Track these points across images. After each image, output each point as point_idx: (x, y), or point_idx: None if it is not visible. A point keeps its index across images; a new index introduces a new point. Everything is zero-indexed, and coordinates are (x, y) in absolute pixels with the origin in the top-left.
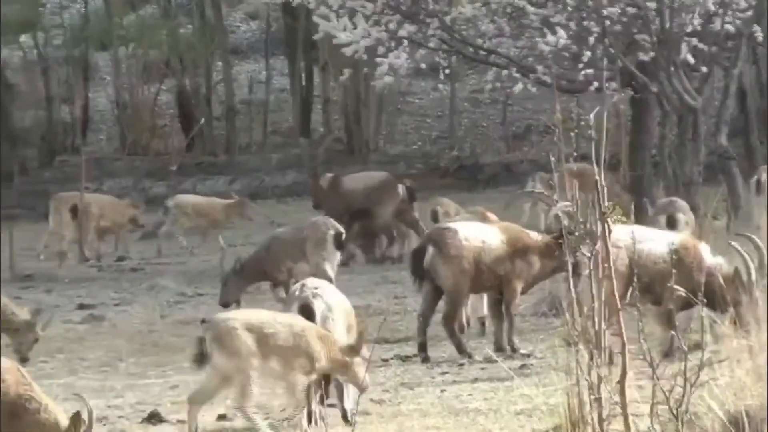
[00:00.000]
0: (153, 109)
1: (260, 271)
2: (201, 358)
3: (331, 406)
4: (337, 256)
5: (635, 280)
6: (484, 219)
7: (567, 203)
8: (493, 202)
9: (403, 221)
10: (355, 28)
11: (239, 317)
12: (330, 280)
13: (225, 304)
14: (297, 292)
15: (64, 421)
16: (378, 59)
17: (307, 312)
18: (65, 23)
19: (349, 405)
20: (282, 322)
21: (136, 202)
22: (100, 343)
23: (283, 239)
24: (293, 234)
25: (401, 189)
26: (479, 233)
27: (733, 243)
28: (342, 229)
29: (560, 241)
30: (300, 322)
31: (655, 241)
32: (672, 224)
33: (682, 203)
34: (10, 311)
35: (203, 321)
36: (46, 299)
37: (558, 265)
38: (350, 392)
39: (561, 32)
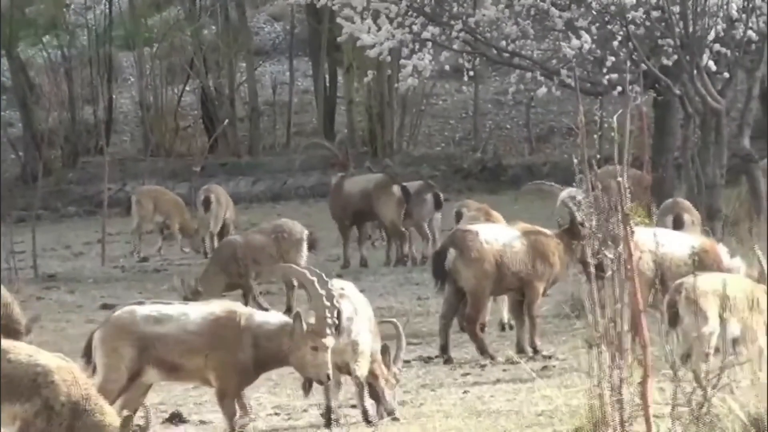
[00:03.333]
0: (176, 110)
1: (225, 282)
2: None
3: (353, 406)
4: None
5: (659, 283)
6: (488, 216)
7: (572, 189)
8: (516, 204)
9: (407, 223)
10: (379, 30)
11: None
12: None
13: None
14: None
15: (116, 423)
16: (402, 61)
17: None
18: (89, 24)
19: (369, 404)
20: None
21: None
22: None
23: (251, 245)
24: (261, 238)
25: (397, 190)
26: (500, 235)
27: (756, 247)
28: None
29: (573, 231)
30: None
31: (677, 245)
32: (678, 224)
33: (686, 203)
34: (16, 320)
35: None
36: (69, 299)
37: (573, 258)
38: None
39: (586, 36)
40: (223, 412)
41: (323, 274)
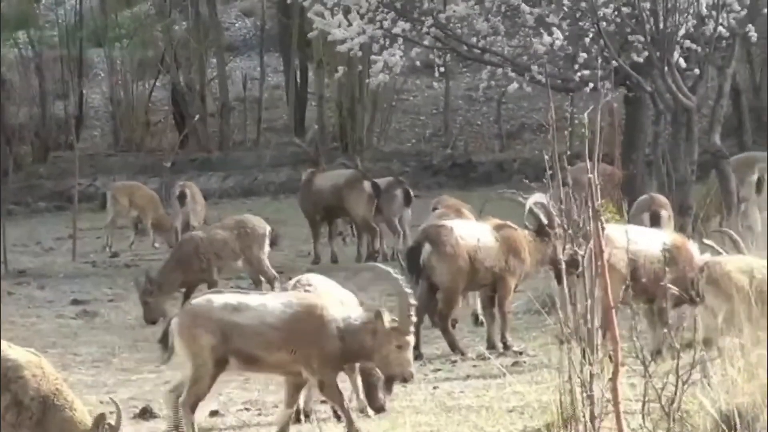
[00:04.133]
0: (147, 105)
1: (183, 279)
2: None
3: (323, 402)
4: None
5: (632, 279)
6: (458, 213)
7: (540, 195)
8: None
9: (377, 219)
10: (349, 25)
11: None
12: (274, 277)
13: (152, 322)
14: (291, 289)
15: (88, 421)
16: (372, 57)
17: None
18: (60, 20)
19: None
20: None
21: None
22: (93, 339)
23: (213, 240)
24: (223, 233)
25: (367, 186)
26: (474, 231)
27: (706, 240)
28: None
29: (543, 232)
30: None
31: (650, 241)
32: (655, 221)
33: (662, 199)
34: None
35: None
36: (40, 295)
37: (544, 258)
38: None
39: (557, 33)
40: (330, 400)
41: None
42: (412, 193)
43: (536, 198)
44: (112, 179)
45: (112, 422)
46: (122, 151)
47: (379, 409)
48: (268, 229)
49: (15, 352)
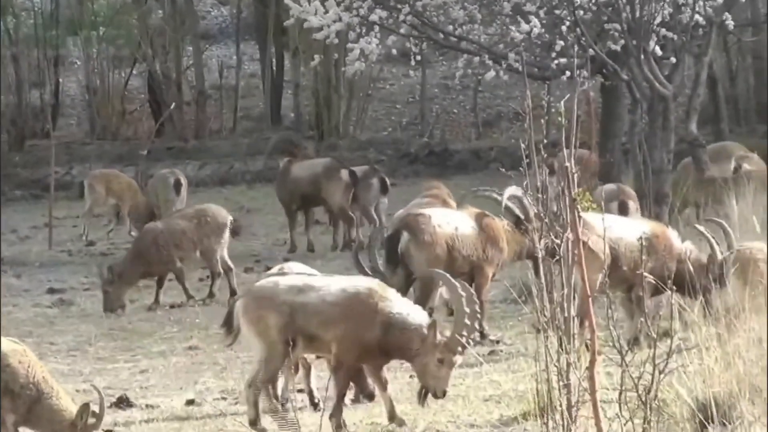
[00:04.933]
0: (123, 94)
1: (144, 270)
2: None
3: (300, 391)
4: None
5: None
6: (445, 203)
7: (514, 188)
8: (463, 189)
9: (353, 207)
10: (326, 12)
11: None
12: (231, 267)
13: (111, 311)
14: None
15: (73, 408)
16: (349, 45)
17: None
18: (36, 8)
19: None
20: None
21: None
22: (69, 328)
23: (172, 230)
24: (182, 223)
25: (345, 174)
26: (452, 220)
27: (699, 227)
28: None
29: (519, 225)
30: None
31: (629, 230)
32: (623, 210)
33: (629, 190)
34: None
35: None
36: (16, 283)
37: (522, 249)
38: None
39: (534, 21)
40: (335, 383)
41: (473, 293)
42: (388, 181)
43: (511, 191)
44: (89, 168)
45: (96, 410)
46: (98, 139)
47: (370, 395)
48: (230, 218)
49: (3, 342)
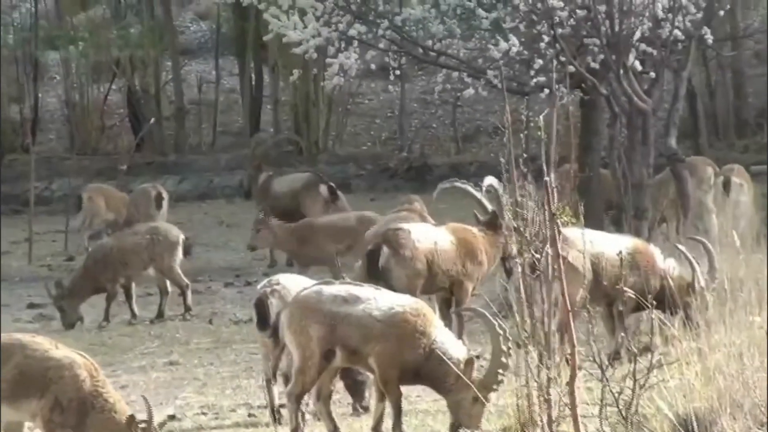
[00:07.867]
0: (102, 109)
1: (93, 287)
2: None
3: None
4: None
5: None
6: (422, 216)
7: (491, 177)
8: (442, 203)
9: None
10: (305, 27)
11: None
12: (186, 285)
13: (71, 326)
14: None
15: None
16: (328, 60)
17: (261, 307)
18: (15, 22)
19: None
20: None
21: None
22: None
23: (123, 247)
24: (133, 240)
25: (324, 189)
26: (431, 235)
27: (679, 246)
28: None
29: (495, 223)
30: None
31: (611, 245)
32: None
33: None
34: None
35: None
36: None
37: (501, 253)
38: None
39: (513, 39)
40: (389, 398)
41: (507, 331)
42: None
43: (489, 181)
44: (69, 183)
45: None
46: (78, 154)
47: (366, 408)
48: (182, 236)
49: (59, 353)
